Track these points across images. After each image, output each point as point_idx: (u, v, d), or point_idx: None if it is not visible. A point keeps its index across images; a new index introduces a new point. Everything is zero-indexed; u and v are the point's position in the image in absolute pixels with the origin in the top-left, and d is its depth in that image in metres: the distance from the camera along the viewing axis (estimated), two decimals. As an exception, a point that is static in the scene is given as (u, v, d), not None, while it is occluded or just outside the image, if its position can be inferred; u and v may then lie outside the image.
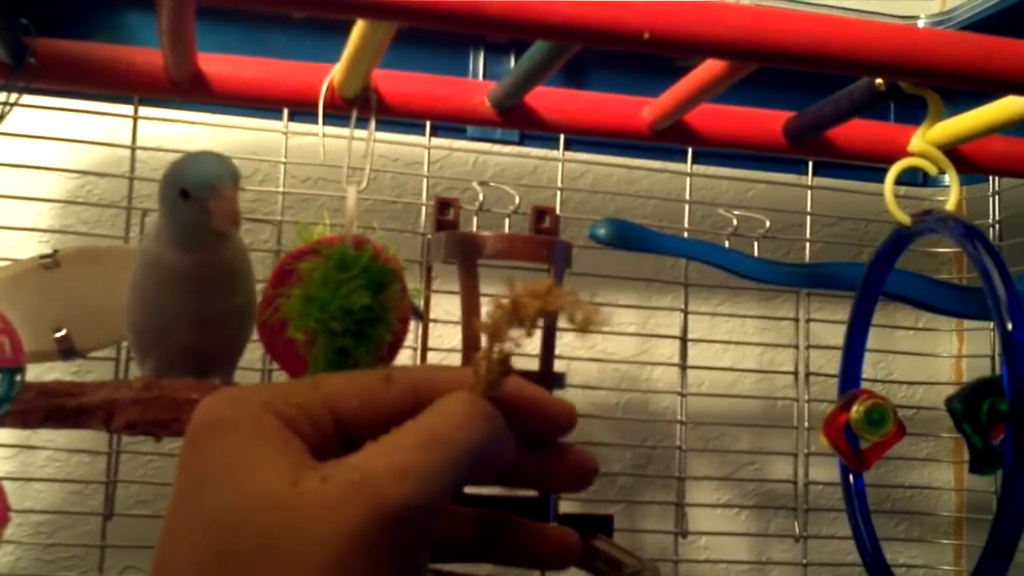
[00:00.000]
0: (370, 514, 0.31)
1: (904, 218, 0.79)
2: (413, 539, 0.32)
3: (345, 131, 0.82)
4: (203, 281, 0.75)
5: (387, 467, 0.32)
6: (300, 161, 1.01)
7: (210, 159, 0.72)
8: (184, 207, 0.71)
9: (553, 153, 1.09)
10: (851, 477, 0.85)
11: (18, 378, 0.71)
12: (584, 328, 0.35)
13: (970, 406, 0.72)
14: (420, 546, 0.33)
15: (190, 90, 0.83)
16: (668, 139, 0.93)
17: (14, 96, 0.79)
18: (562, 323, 0.92)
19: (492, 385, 0.36)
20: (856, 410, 0.80)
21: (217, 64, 0.84)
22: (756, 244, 1.03)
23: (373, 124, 0.82)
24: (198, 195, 0.70)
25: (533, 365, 0.85)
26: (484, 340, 0.36)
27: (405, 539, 0.32)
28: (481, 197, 0.93)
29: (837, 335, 0.89)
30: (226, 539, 0.32)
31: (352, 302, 0.61)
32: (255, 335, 0.77)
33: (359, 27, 0.72)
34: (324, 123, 0.82)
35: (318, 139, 0.80)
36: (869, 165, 1.03)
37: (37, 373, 0.91)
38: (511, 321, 0.35)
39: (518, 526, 0.40)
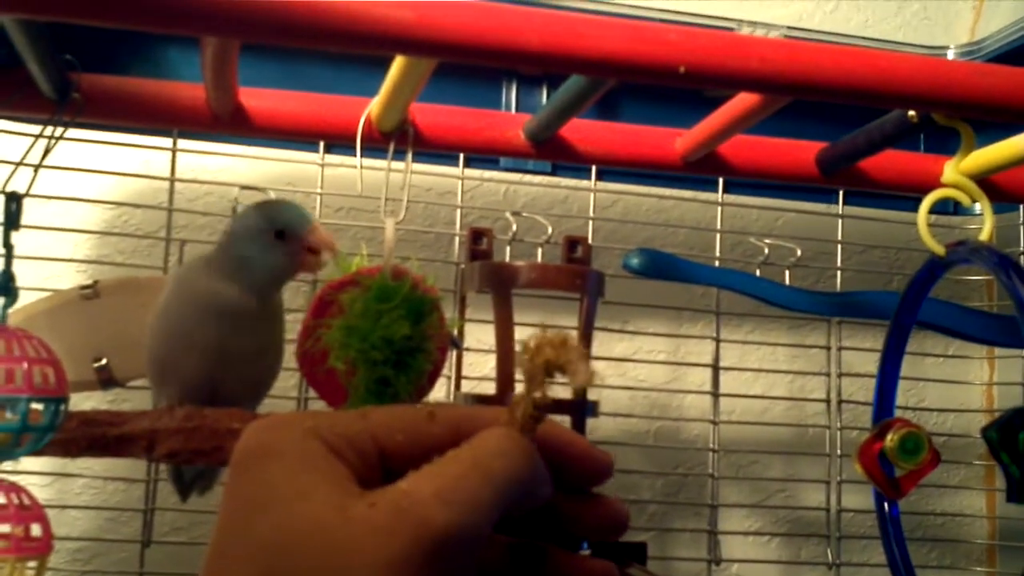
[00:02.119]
0: (417, 539, 0.32)
1: (938, 248, 0.80)
2: (457, 564, 0.33)
3: (380, 163, 0.83)
4: (246, 326, 0.77)
5: (433, 493, 0.33)
6: (335, 192, 1.02)
7: (290, 202, 0.77)
8: (276, 248, 0.74)
9: (584, 183, 1.09)
10: (886, 505, 0.85)
11: (62, 407, 0.72)
12: (577, 387, 0.36)
13: (1006, 435, 0.72)
14: (464, 572, 0.33)
15: (231, 124, 0.84)
16: (701, 170, 0.94)
17: (59, 130, 0.81)
18: (592, 351, 0.93)
19: (528, 425, 0.37)
20: (891, 438, 0.80)
21: (257, 98, 0.85)
22: (787, 273, 1.03)
23: (410, 157, 0.84)
24: (296, 233, 0.74)
25: (566, 393, 0.85)
26: (523, 380, 0.37)
27: (450, 564, 0.32)
28: (514, 227, 0.94)
29: (868, 363, 0.89)
30: (274, 564, 0.32)
31: (393, 332, 0.61)
32: (294, 364, 0.78)
33: (398, 62, 0.74)
34: (365, 157, 0.83)
35: (352, 170, 0.81)
36: (900, 195, 1.04)
37: (74, 402, 0.92)
38: (540, 365, 0.36)
39: (555, 556, 0.40)
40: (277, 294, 0.78)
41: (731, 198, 1.14)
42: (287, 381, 0.93)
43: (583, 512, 0.40)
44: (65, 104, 0.80)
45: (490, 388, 0.87)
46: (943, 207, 1.15)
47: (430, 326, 0.60)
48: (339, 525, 0.32)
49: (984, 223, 0.78)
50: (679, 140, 0.92)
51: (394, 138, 0.84)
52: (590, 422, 0.94)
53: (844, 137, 0.90)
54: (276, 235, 0.74)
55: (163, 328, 0.79)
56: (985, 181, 0.92)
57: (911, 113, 0.78)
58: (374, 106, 0.83)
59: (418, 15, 0.62)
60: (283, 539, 0.33)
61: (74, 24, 0.61)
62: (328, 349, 0.65)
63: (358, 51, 0.66)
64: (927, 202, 0.79)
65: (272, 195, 0.95)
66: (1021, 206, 1.13)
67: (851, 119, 0.90)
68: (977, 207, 0.80)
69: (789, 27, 1.07)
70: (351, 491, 0.34)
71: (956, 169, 0.79)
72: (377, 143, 0.85)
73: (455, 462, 0.35)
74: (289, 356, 0.80)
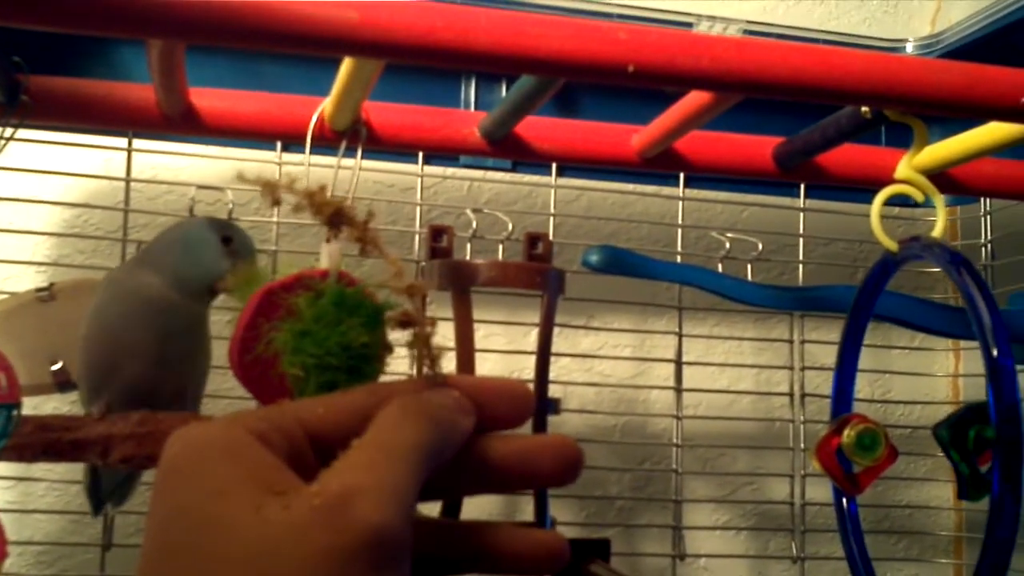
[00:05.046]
0: (333, 537, 0.32)
1: (891, 244, 0.79)
2: (383, 553, 0.33)
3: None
4: (179, 326, 0.77)
5: (342, 489, 0.33)
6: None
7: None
8: (213, 253, 0.75)
9: (546, 179, 1.09)
10: (844, 500, 0.85)
11: (15, 413, 0.72)
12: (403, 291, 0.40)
13: (956, 433, 0.72)
14: (394, 558, 0.33)
15: (182, 125, 0.84)
16: (658, 166, 0.94)
17: (8, 132, 0.80)
18: (557, 347, 0.93)
19: (430, 373, 0.40)
20: (847, 434, 0.80)
21: (209, 98, 0.85)
22: (749, 267, 1.03)
23: (359, 156, 0.83)
24: (238, 250, 0.75)
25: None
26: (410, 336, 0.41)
27: (374, 555, 0.32)
28: (475, 224, 0.94)
29: (832, 355, 0.89)
30: (199, 571, 0.32)
31: (351, 340, 0.61)
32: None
33: (348, 62, 0.73)
34: (320, 155, 0.83)
35: (312, 168, 0.81)
36: (862, 188, 1.04)
37: (35, 404, 0.92)
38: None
39: (502, 531, 0.41)
40: (208, 298, 0.78)
41: (694, 192, 1.14)
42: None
43: (527, 455, 0.40)
44: (13, 107, 0.79)
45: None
46: (905, 199, 1.16)
47: (384, 334, 0.61)
48: (256, 528, 0.32)
49: (937, 219, 0.77)
50: (635, 137, 0.92)
51: (347, 137, 0.84)
52: (555, 419, 0.94)
53: (800, 132, 0.90)
54: (223, 240, 0.75)
55: (92, 329, 0.78)
56: (943, 175, 0.93)
57: (864, 109, 0.78)
58: (326, 105, 0.82)
59: (363, 15, 0.61)
60: (204, 547, 0.33)
61: (22, 27, 0.60)
62: (276, 353, 0.64)
63: (302, 53, 0.65)
64: (880, 198, 0.79)
65: (230, 195, 0.95)
66: (982, 199, 1.14)
67: (811, 113, 0.90)
68: (933, 202, 0.80)
69: (750, 22, 1.07)
70: (273, 486, 0.34)
71: (909, 164, 0.79)
72: (330, 142, 0.85)
73: (359, 451, 0.35)
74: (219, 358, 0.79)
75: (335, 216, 0.43)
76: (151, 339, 0.76)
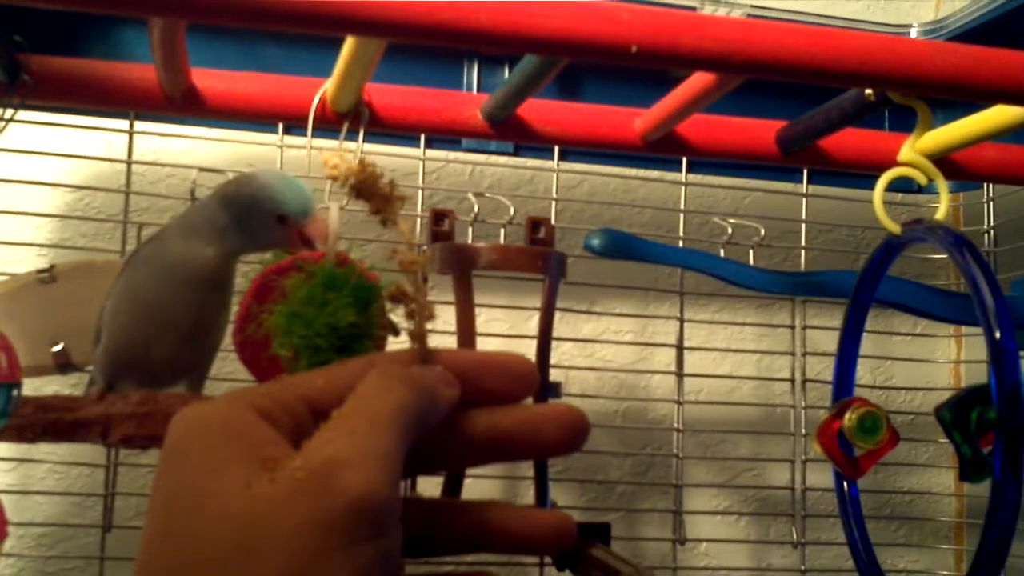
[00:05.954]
0: (317, 509, 0.32)
1: (894, 227, 0.79)
2: (368, 522, 0.33)
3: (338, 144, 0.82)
4: (219, 287, 0.75)
5: (325, 461, 0.33)
6: (296, 174, 1.01)
7: (298, 184, 0.72)
8: (274, 230, 0.71)
9: (549, 163, 1.09)
10: (845, 484, 0.85)
11: (15, 393, 0.72)
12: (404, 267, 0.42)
13: (959, 415, 0.72)
14: (380, 526, 0.33)
15: (184, 106, 0.84)
16: (660, 150, 0.93)
17: (9, 112, 0.80)
18: (559, 332, 0.92)
19: (422, 345, 0.40)
20: (849, 418, 0.80)
21: (211, 79, 0.84)
22: (752, 252, 1.03)
23: (362, 139, 0.83)
24: (297, 221, 0.70)
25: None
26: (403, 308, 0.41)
27: (359, 524, 0.33)
28: (476, 208, 0.94)
29: (833, 341, 0.89)
30: (194, 550, 0.33)
31: (338, 320, 0.61)
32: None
33: (349, 43, 0.73)
34: (322, 137, 0.83)
35: (314, 152, 0.81)
36: (865, 173, 1.03)
37: (35, 386, 0.92)
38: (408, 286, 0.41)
39: (505, 511, 0.41)
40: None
41: (696, 178, 1.14)
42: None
43: (531, 424, 0.41)
44: (14, 86, 0.79)
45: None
46: (907, 185, 1.15)
47: (375, 313, 0.61)
48: (245, 502, 0.33)
49: (940, 202, 0.77)
50: (638, 120, 0.92)
51: (349, 119, 0.84)
52: (553, 403, 0.94)
53: (803, 116, 0.90)
54: (278, 219, 0.70)
55: (137, 305, 0.75)
56: (946, 160, 0.92)
57: (868, 92, 0.78)
58: (328, 86, 0.82)
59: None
60: (198, 525, 0.33)
61: (24, 6, 0.60)
62: (269, 335, 0.64)
63: (304, 32, 0.65)
64: (882, 181, 0.78)
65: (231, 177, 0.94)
66: (985, 184, 1.14)
67: (814, 96, 0.90)
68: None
69: (754, 6, 1.06)
70: (266, 462, 0.34)
71: (913, 148, 0.78)
72: (332, 124, 0.84)
73: (341, 420, 0.35)
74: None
75: (364, 186, 0.43)
76: (190, 317, 0.74)
